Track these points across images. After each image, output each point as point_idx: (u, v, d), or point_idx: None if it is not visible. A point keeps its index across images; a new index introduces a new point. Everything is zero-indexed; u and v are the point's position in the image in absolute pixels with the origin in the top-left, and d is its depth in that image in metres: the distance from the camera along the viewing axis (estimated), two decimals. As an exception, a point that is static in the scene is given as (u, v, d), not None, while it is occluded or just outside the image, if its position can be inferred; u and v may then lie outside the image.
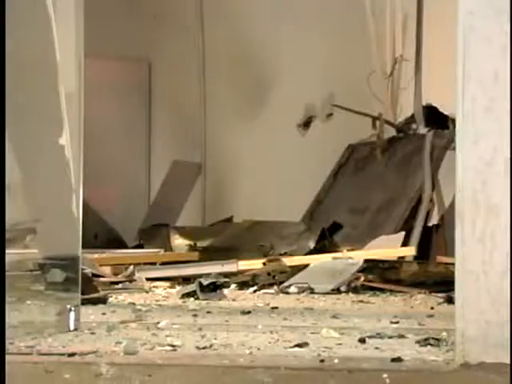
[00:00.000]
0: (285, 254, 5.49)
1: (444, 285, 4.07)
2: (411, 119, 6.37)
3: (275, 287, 4.84)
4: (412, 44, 6.43)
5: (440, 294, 4.26)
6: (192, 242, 6.55)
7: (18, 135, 3.30)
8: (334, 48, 7.00)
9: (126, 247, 6.87)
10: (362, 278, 4.85)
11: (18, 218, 3.33)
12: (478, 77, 2.41)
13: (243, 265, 5.21)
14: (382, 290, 4.75)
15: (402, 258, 5.24)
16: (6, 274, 3.13)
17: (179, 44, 8.02)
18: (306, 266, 5.08)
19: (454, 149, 2.78)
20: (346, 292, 4.71)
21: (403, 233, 5.54)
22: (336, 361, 2.47)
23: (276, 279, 4.92)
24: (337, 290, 4.71)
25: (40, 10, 3.32)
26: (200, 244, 6.47)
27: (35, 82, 3.39)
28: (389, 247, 5.38)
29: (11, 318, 2.95)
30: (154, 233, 7.16)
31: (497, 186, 2.40)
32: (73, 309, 3.22)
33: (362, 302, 4.45)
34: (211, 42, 8.00)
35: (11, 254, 3.20)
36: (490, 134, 2.41)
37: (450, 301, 3.44)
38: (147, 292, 4.80)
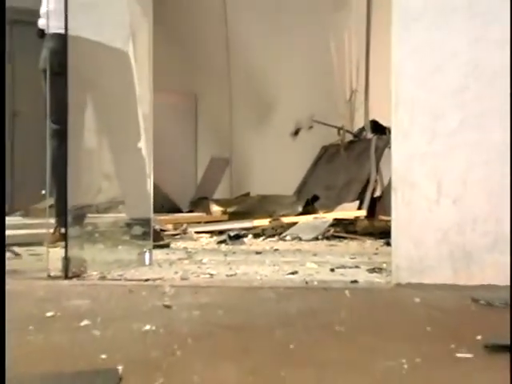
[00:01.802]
0: (283, 215, 6.15)
1: (384, 234, 4.52)
2: (362, 129, 7.21)
3: (277, 237, 5.50)
4: (363, 81, 7.33)
5: (381, 240, 4.82)
6: (223, 209, 7.32)
7: (113, 142, 4.03)
8: (314, 82, 7.87)
9: (181, 212, 7.56)
10: (332, 230, 5.55)
11: (114, 195, 4.09)
12: (404, 102, 2.86)
13: (256, 223, 5.98)
14: (345, 238, 5.37)
15: (357, 217, 5.92)
16: (107, 230, 3.82)
17: (215, 81, 9.09)
18: (296, 223, 5.78)
19: (389, 148, 3.11)
20: (322, 239, 5.36)
21: (358, 201, 6.21)
22: (315, 283, 3.00)
23: (277, 231, 5.64)
24: (316, 238, 5.36)
25: (126, 58, 4.02)
26: (228, 210, 7.24)
27: (123, 107, 4.04)
28: (349, 210, 6.07)
29: (109, 257, 3.61)
30: (199, 203, 8.04)
31: (415, 171, 2.83)
32: (147, 251, 3.78)
33: (331, 245, 5.00)
34: (235, 79, 9.02)
35: (110, 217, 3.91)
36: (412, 138, 2.85)
37: (388, 244, 3.79)
38: (195, 240, 5.39)
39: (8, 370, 1.64)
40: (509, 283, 2.69)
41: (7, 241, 4.15)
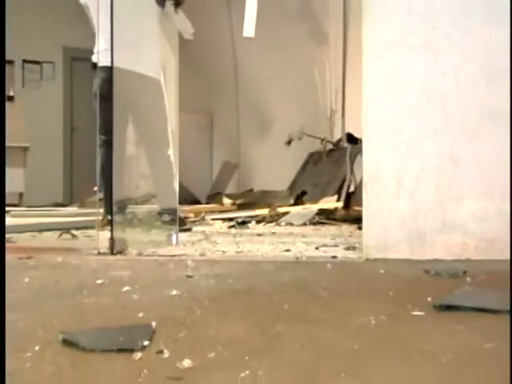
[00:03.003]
0: (278, 206, 6.05)
1: (357, 220, 4.42)
2: (340, 140, 7.09)
3: (274, 222, 5.39)
4: (340, 103, 7.25)
5: (355, 225, 4.69)
6: (233, 201, 7.22)
7: (148, 150, 4.06)
8: (303, 104, 7.85)
9: (200, 204, 7.51)
10: (317, 218, 5.45)
11: (148, 190, 4.12)
12: (372, 119, 2.87)
13: (258, 212, 5.83)
14: (326, 224, 5.28)
15: (336, 208, 5.82)
16: (143, 217, 3.88)
17: (225, 102, 9.14)
18: (289, 212, 5.71)
19: (361, 154, 3.09)
20: (309, 224, 5.26)
21: (336, 196, 6.14)
22: (304, 258, 3.01)
23: (274, 219, 5.54)
24: (304, 224, 5.26)
25: (159, 85, 4.01)
26: (237, 202, 7.13)
27: (156, 123, 4.06)
28: (329, 202, 6.00)
29: (144, 238, 3.63)
30: (214, 196, 8.03)
31: (381, 172, 2.83)
32: (174, 233, 3.79)
33: (316, 229, 4.94)
34: (242, 101, 9.02)
35: (145, 207, 3.94)
36: (379, 147, 2.85)
37: (360, 228, 3.65)
38: (211, 225, 5.27)
39: (67, 326, 1.66)
40: (454, 258, 2.71)
41: (68, 226, 4.29)
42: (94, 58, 4.05)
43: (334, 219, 5.39)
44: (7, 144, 8.91)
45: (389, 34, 2.83)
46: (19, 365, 1.38)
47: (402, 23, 2.82)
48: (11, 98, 9.25)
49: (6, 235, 3.94)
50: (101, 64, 3.82)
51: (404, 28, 2.82)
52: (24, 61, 9.35)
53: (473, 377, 1.32)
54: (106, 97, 3.53)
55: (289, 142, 7.82)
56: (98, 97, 3.75)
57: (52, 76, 9.57)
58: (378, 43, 2.84)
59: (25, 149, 8.87)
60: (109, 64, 3.52)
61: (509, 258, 2.62)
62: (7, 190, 8.79)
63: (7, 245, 3.54)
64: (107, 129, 3.56)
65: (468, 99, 2.78)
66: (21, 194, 8.57)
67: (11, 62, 9.23)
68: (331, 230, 4.81)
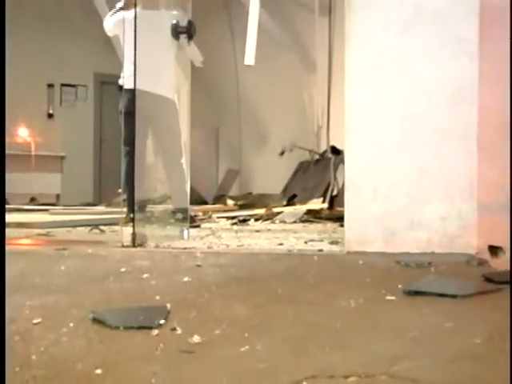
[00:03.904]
0: (273, 206, 5.99)
1: (339, 219, 4.21)
2: (325, 151, 6.96)
3: (269, 220, 5.31)
4: (325, 120, 7.16)
5: (338, 223, 4.55)
6: (235, 202, 7.17)
7: (164, 159, 4.04)
8: (294, 121, 7.79)
9: (207, 204, 7.41)
10: (305, 217, 5.36)
11: (164, 193, 4.07)
12: (353, 134, 2.86)
13: (256, 211, 5.80)
14: (314, 222, 5.16)
15: (322, 208, 5.74)
16: (159, 215, 3.81)
17: (229, 119, 9.12)
18: (282, 211, 5.65)
19: (343, 163, 3.10)
20: (299, 222, 5.17)
21: (322, 198, 6.05)
22: (295, 251, 2.99)
23: (270, 217, 5.44)
24: (295, 222, 5.19)
25: (174, 105, 3.98)
26: (238, 203, 7.09)
27: (171, 136, 4.02)
28: (316, 204, 5.92)
29: (161, 233, 3.58)
30: (219, 198, 7.94)
31: (360, 179, 2.82)
32: (186, 229, 3.76)
33: (305, 226, 4.86)
34: (243, 118, 8.99)
35: (162, 207, 3.93)
36: (358, 158, 2.84)
37: (342, 226, 3.44)
38: (216, 222, 5.18)
39: (96, 306, 1.65)
40: (420, 251, 2.70)
41: (97, 222, 4.30)
42: (121, 82, 4.06)
43: (320, 218, 5.36)
44: (47, 153, 8.97)
45: (368, 62, 2.82)
46: (57, 338, 1.39)
47: (379, 54, 2.80)
48: (51, 115, 9.30)
49: (46, 230, 4.04)
50: (126, 87, 3.81)
51: (381, 57, 2.81)
52: (62, 84, 9.43)
53: (435, 350, 1.33)
54: (130, 114, 3.52)
55: (282, 153, 7.79)
56: (123, 114, 3.76)
57: (85, 97, 9.62)
58: (358, 70, 2.83)
59: (61, 157, 8.90)
60: (132, 87, 3.52)
61: (467, 251, 2.62)
62: (47, 191, 8.81)
63: (47, 238, 3.64)
64: (130, 141, 3.55)
65: (434, 119, 2.76)
66: (58, 195, 8.57)
67: (51, 85, 9.30)
68: (318, 227, 4.79)
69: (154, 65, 3.83)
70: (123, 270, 2.31)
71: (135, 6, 3.50)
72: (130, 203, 3.61)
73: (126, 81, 3.81)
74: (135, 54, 3.37)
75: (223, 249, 3.11)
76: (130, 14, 3.60)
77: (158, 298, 1.81)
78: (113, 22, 4.22)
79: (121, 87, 4.00)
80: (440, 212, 2.72)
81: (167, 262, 2.57)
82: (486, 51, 2.63)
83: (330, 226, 4.79)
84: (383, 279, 2.15)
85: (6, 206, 6.71)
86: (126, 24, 3.59)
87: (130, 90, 3.64)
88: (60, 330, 1.45)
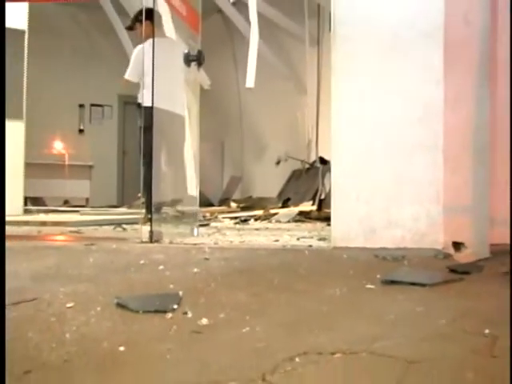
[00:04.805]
0: (270, 208, 5.90)
1: (327, 219, 4.04)
2: (314, 161, 6.93)
3: (267, 220, 5.21)
4: (315, 134, 7.17)
5: (325, 223, 4.46)
6: (237, 204, 7.08)
7: (177, 168, 3.88)
8: (288, 135, 7.82)
9: (214, 206, 7.29)
10: (298, 217, 5.27)
11: (178, 196, 3.99)
12: (337, 146, 2.82)
13: (255, 212, 5.71)
14: (304, 222, 5.08)
15: (311, 210, 5.64)
16: (173, 215, 3.73)
17: (233, 133, 9.08)
18: (278, 213, 5.54)
19: (330, 172, 2.99)
20: (292, 222, 5.10)
21: (312, 201, 5.96)
22: (289, 246, 2.94)
23: (267, 217, 5.33)
24: (289, 221, 5.10)
25: (183, 119, 3.87)
26: (240, 205, 6.99)
27: (183, 148, 3.92)
28: (307, 206, 5.83)
29: (174, 231, 3.49)
30: (224, 201, 7.79)
31: (345, 185, 2.78)
32: (195, 228, 3.71)
33: (297, 225, 4.77)
34: (245, 132, 8.97)
35: (175, 208, 3.86)
36: (343, 166, 2.79)
37: (329, 225, 3.34)
38: (222, 222, 5.06)
39: (119, 293, 1.64)
40: (395, 246, 2.66)
41: (120, 222, 4.27)
42: (140, 100, 4.05)
43: (310, 218, 5.32)
44: (78, 163, 8.97)
45: (351, 86, 2.80)
46: (86, 320, 1.39)
47: (361, 79, 2.78)
48: (82, 131, 9.36)
49: (77, 228, 4.01)
50: (145, 105, 3.77)
51: (362, 82, 2.78)
52: (91, 105, 9.48)
53: (408, 330, 1.32)
54: (149, 128, 3.48)
55: (278, 163, 7.75)
56: (142, 129, 3.69)
57: (110, 115, 9.65)
58: (342, 93, 2.81)
59: (90, 167, 8.91)
60: (150, 105, 3.48)
61: (435, 247, 2.60)
62: (78, 195, 8.79)
63: (78, 235, 3.62)
64: (147, 153, 3.50)
65: (408, 134, 2.74)
66: (87, 199, 8.57)
67: (82, 106, 9.37)
68: (308, 226, 4.76)
69: (168, 87, 3.76)
70: (142, 262, 2.29)
71: (153, 38, 3.44)
72: (148, 205, 3.56)
73: (145, 100, 3.77)
74: (153, 78, 3.33)
75: (227, 244, 3.09)
76: (148, 45, 3.56)
77: (171, 286, 1.79)
78: (136, 77, 4.23)
79: (139, 104, 3.96)
80: (412, 213, 2.70)
81: (179, 256, 2.56)
82: (450, 78, 2.64)
83: (318, 225, 4.75)
84: (364, 271, 2.14)
85: (44, 208, 6.75)
86: (145, 54, 3.55)
87: (148, 107, 3.58)
88: (89, 313, 1.45)
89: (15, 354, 1.13)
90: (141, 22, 4.19)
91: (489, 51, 2.74)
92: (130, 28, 4.87)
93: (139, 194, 4.13)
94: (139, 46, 4.09)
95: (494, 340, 1.21)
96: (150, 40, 3.47)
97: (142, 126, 3.78)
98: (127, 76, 4.44)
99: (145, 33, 3.92)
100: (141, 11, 4.26)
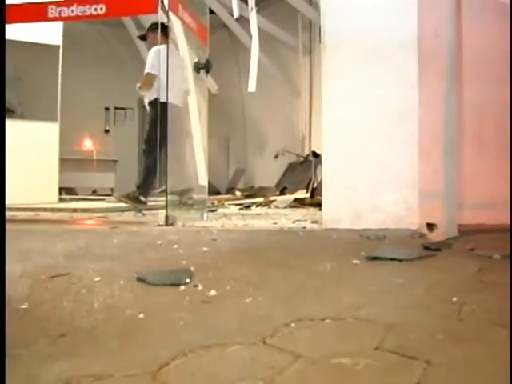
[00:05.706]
0: (270, 196, 5.84)
1: (319, 205, 3.90)
2: (308, 155, 6.80)
3: (267, 206, 5.13)
4: (308, 131, 7.10)
5: (317, 208, 4.29)
6: (241, 193, 6.98)
7: (188, 161, 3.84)
8: (286, 132, 7.69)
9: (221, 194, 7.17)
10: (293, 203, 5.16)
11: (189, 185, 3.93)
12: (328, 141, 2.75)
13: (257, 200, 5.63)
14: (299, 207, 4.98)
15: (305, 197, 5.53)
16: (185, 202, 3.70)
17: (237, 131, 8.88)
18: (276, 199, 5.48)
19: (321, 164, 2.90)
20: (289, 207, 5.01)
21: (305, 189, 5.85)
22: (286, 228, 2.88)
23: (267, 204, 5.28)
24: (286, 207, 5.00)
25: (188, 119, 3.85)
26: (244, 193, 6.89)
27: (193, 143, 3.88)
28: (301, 194, 5.72)
29: (186, 216, 3.39)
30: (230, 190, 7.72)
31: (334, 175, 2.71)
32: (205, 213, 3.67)
33: (293, 210, 4.66)
34: (248, 130, 8.80)
35: (187, 196, 3.82)
36: (333, 159, 2.72)
37: (320, 210, 3.20)
38: (228, 208, 4.96)
39: (139, 269, 1.62)
40: (378, 227, 2.63)
41: (139, 208, 4.23)
42: (145, 101, 4.07)
43: (304, 204, 5.26)
44: (104, 158, 8.92)
45: (338, 88, 2.77)
46: (111, 292, 1.38)
47: (347, 83, 2.75)
48: (107, 131, 9.36)
49: (104, 213, 3.96)
50: (161, 100, 3.70)
51: (348, 85, 2.75)
52: (115, 108, 9.45)
53: (389, 299, 1.32)
54: (155, 121, 3.37)
55: (276, 156, 7.67)
56: (149, 121, 3.66)
57: (132, 117, 9.62)
58: (331, 95, 2.78)
59: (114, 161, 8.88)
60: (165, 100, 3.41)
61: (411, 228, 2.57)
62: (104, 186, 8.73)
63: (104, 219, 3.58)
64: (149, 142, 3.43)
65: (388, 130, 2.70)
66: (112, 189, 8.56)
67: (107, 109, 9.33)
68: (302, 211, 4.71)
69: (181, 88, 3.77)
70: (159, 242, 2.28)
71: (168, 44, 3.36)
72: (140, 186, 3.64)
73: (161, 96, 3.67)
74: (167, 82, 3.29)
75: (233, 227, 3.07)
76: (163, 52, 3.47)
77: (184, 262, 1.78)
78: (156, 70, 4.08)
79: (143, 105, 3.97)
80: (392, 199, 2.68)
81: (191, 237, 2.54)
82: (423, 83, 2.63)
83: (311, 210, 4.70)
84: (350, 248, 2.12)
85: (76, 197, 6.73)
86: (161, 60, 3.49)
87: (164, 103, 3.47)
88: (113, 286, 1.44)
89: (52, 320, 1.13)
90: (152, 31, 4.11)
91: (455, 60, 2.74)
92: (142, 37, 4.71)
93: (155, 186, 4.06)
94: (155, 47, 3.99)
95: (461, 306, 1.21)
96: (165, 45, 3.41)
97: (158, 118, 3.58)
98: (149, 70, 4.13)
99: (160, 41, 3.82)
100: (152, 23, 4.17)
